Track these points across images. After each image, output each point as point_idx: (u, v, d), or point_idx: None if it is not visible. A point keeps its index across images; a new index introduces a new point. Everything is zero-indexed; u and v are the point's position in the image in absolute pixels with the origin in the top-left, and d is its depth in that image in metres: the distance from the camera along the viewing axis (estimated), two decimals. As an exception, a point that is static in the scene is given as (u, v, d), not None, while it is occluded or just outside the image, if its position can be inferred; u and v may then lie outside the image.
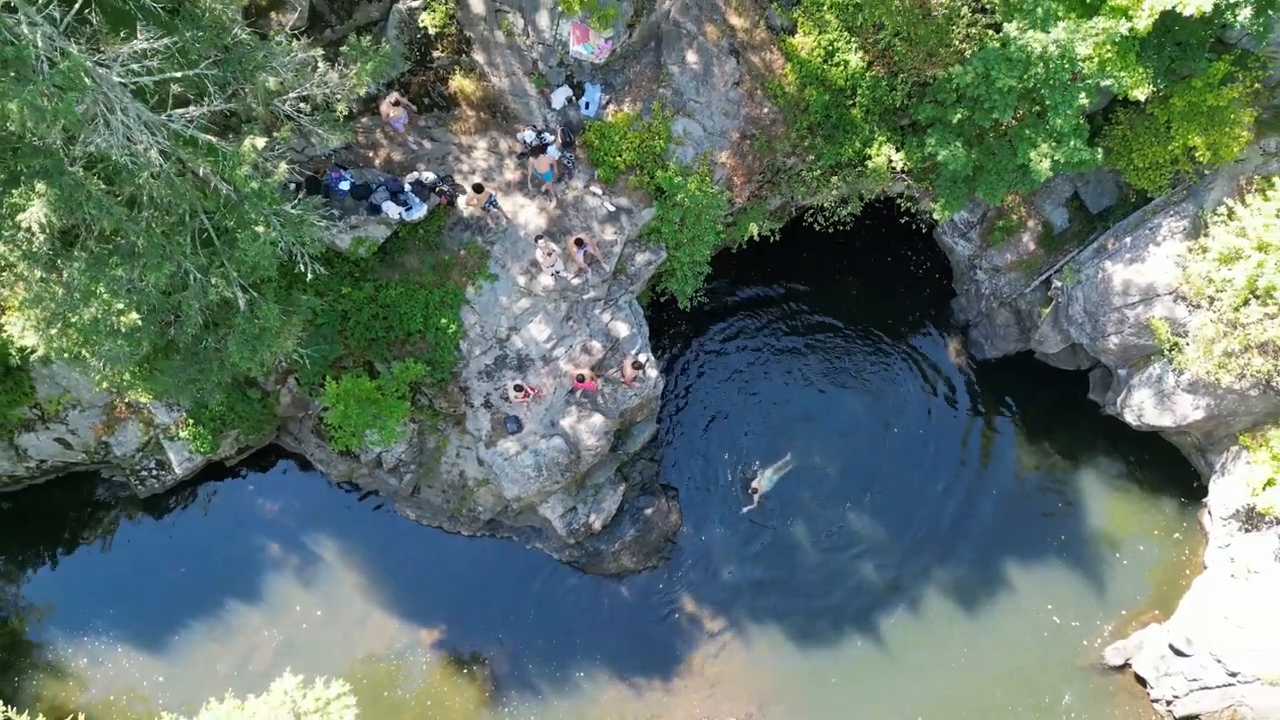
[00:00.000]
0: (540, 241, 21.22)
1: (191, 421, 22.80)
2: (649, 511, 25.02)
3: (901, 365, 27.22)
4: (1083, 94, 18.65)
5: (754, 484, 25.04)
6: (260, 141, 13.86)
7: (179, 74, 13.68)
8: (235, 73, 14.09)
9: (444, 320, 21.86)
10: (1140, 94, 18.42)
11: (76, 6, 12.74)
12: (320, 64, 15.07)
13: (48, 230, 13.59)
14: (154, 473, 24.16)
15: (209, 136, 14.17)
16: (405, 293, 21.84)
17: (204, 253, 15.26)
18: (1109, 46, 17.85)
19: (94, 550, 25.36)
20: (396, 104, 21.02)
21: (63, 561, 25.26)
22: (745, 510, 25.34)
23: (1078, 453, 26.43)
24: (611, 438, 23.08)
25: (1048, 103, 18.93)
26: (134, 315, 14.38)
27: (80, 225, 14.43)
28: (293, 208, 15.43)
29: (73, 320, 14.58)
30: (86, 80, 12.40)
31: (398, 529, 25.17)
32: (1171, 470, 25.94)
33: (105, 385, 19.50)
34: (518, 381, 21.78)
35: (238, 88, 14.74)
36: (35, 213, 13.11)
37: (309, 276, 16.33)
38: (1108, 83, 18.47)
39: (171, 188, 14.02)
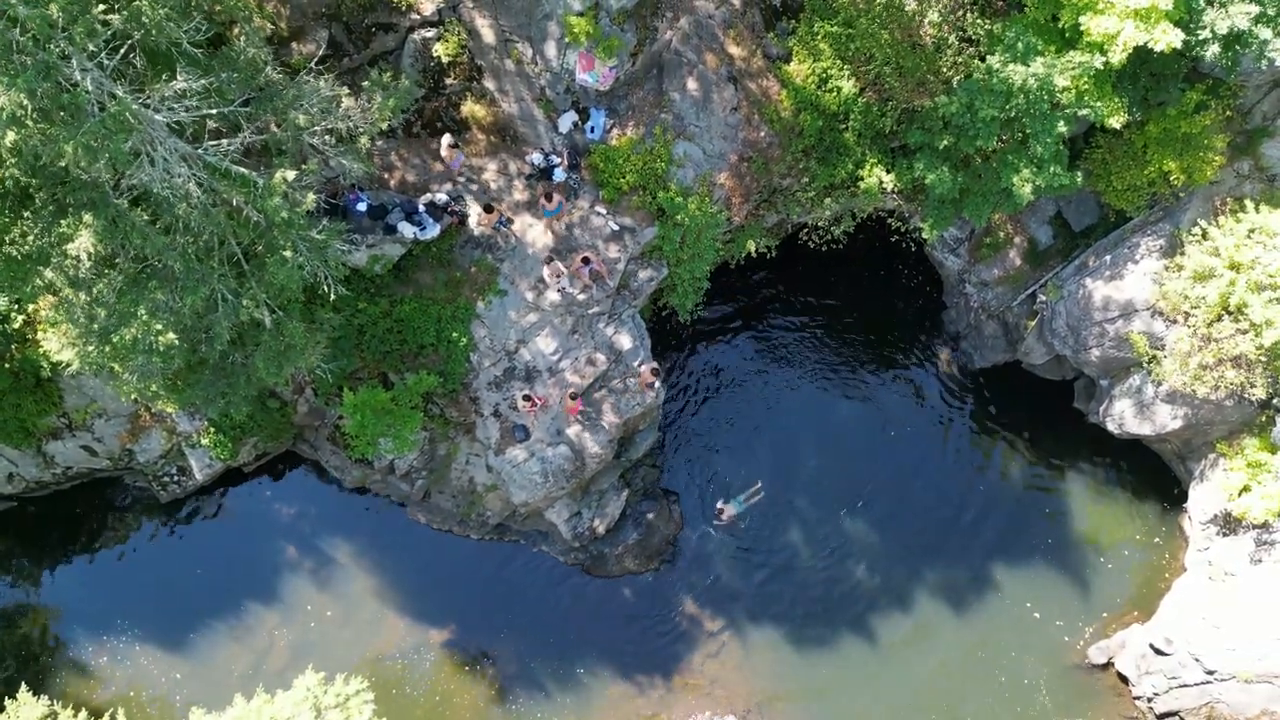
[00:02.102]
0: (548, 260, 21.94)
1: (213, 430, 23.47)
2: (651, 516, 25.66)
3: (894, 374, 27.78)
4: (1062, 122, 19.30)
5: (719, 505, 25.34)
6: (290, 174, 14.68)
7: (214, 111, 14.58)
8: (267, 110, 14.93)
9: (455, 334, 22.56)
10: (1116, 123, 19.01)
11: (122, 51, 13.63)
12: (345, 100, 15.88)
13: (93, 257, 14.48)
14: (175, 478, 24.79)
15: (241, 169, 15.04)
16: (418, 308, 22.52)
17: (234, 276, 16.09)
18: (1086, 79, 18.47)
19: (114, 552, 25.94)
20: (454, 145, 21.64)
21: (84, 563, 25.86)
22: (714, 527, 25.81)
23: (1063, 459, 27.01)
24: (615, 445, 23.69)
25: (1029, 130, 19.59)
26: (171, 335, 15.19)
27: (118, 250, 15.26)
28: (318, 233, 16.22)
29: (113, 340, 15.38)
30: (133, 121, 13.31)
31: (409, 533, 25.66)
32: (1153, 477, 26.51)
33: (134, 397, 20.18)
34: (526, 392, 22.45)
35: (267, 122, 15.58)
36: (84, 242, 13.98)
37: (332, 297, 17.13)
38: (1085, 112, 19.07)
39: (207, 216, 14.86)
